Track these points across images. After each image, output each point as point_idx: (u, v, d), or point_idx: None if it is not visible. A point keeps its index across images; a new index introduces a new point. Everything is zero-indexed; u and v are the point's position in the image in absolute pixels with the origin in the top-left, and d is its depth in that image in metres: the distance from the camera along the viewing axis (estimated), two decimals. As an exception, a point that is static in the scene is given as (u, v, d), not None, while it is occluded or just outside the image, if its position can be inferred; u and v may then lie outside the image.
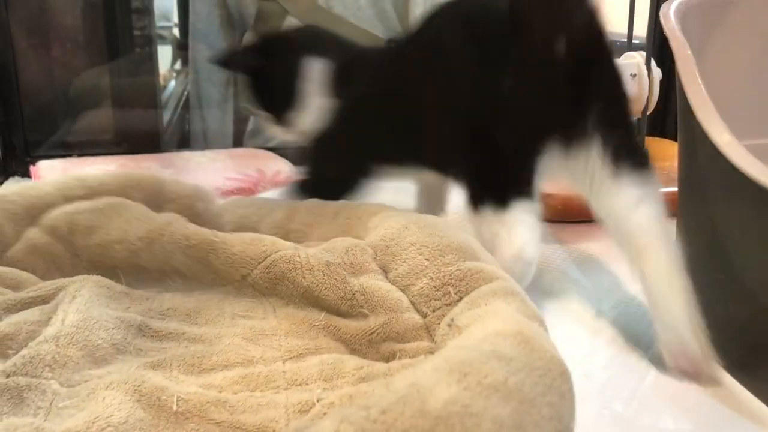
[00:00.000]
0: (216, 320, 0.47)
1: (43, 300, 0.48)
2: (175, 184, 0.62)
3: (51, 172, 0.75)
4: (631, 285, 0.62)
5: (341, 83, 0.65)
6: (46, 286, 0.49)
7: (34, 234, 0.55)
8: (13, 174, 0.87)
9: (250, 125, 1.28)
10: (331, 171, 0.67)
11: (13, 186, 0.59)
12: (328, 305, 0.47)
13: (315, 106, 0.66)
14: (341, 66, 0.66)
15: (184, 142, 1.26)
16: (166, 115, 1.17)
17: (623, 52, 0.89)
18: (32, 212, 0.57)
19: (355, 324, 0.45)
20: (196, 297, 0.51)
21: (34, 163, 0.84)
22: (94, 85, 1.08)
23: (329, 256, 0.48)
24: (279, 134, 0.71)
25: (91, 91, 1.09)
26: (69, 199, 0.58)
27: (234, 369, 0.42)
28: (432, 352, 0.41)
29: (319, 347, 0.44)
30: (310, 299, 0.48)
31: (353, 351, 0.44)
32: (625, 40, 0.90)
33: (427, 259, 0.45)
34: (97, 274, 0.53)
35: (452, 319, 0.40)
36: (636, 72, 0.86)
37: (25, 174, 0.88)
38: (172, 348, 0.44)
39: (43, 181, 0.59)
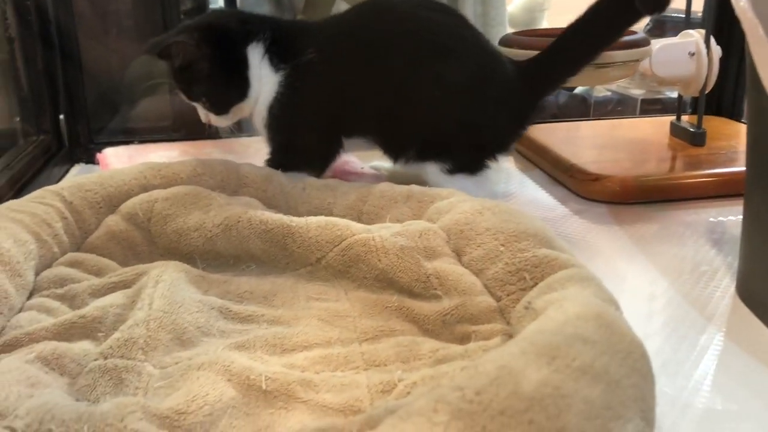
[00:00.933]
0: (292, 303, 0.49)
1: (125, 285, 0.50)
2: (248, 167, 0.64)
3: (117, 159, 0.77)
4: (686, 265, 0.61)
5: (285, 57, 0.67)
6: (127, 271, 0.51)
7: (112, 221, 0.58)
8: (78, 161, 0.90)
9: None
10: (302, 141, 0.69)
11: (92, 175, 0.60)
12: (402, 287, 0.48)
13: (261, 88, 0.67)
14: (279, 41, 0.67)
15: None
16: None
17: (681, 30, 0.88)
18: (111, 201, 0.59)
19: (429, 306, 0.46)
20: (270, 281, 0.52)
21: (98, 151, 0.87)
22: (149, 71, 1.11)
23: (403, 240, 0.49)
24: (218, 123, 0.71)
25: (147, 76, 1.11)
26: (146, 188, 0.60)
27: (314, 349, 0.43)
28: (508, 335, 0.41)
29: (393, 329, 0.45)
30: (384, 281, 0.49)
31: (426, 332, 0.45)
32: (684, 16, 0.89)
33: (502, 245, 0.46)
34: (173, 260, 0.55)
35: (529, 302, 0.40)
36: (694, 50, 0.85)
37: (90, 160, 0.90)
38: (254, 329, 0.45)
39: (120, 171, 0.61)
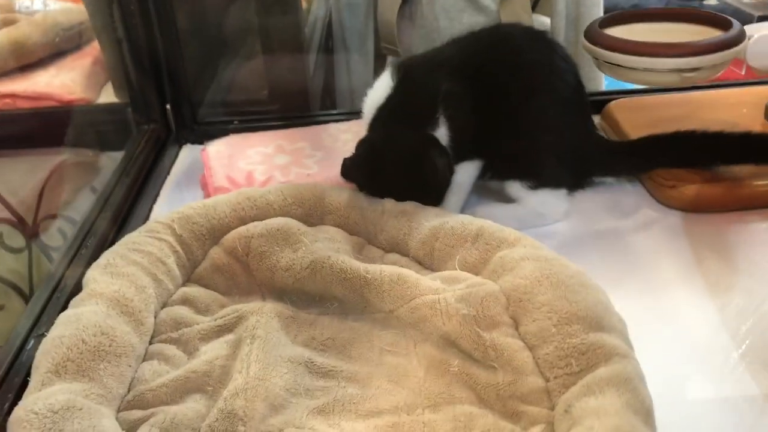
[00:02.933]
0: (367, 355, 0.56)
1: (228, 329, 0.59)
2: (333, 193, 0.70)
3: (218, 162, 0.84)
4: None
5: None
6: (229, 313, 0.60)
7: (216, 253, 0.66)
8: (185, 142, 0.98)
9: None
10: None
11: (197, 206, 0.68)
12: (463, 351, 0.54)
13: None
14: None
15: (329, 89, 1.33)
16: (311, 59, 1.23)
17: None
18: (214, 233, 0.67)
19: (485, 375, 0.52)
20: (349, 325, 0.59)
21: (201, 141, 0.95)
22: (243, 27, 1.16)
23: (465, 308, 0.54)
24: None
25: (242, 34, 1.17)
26: (243, 220, 0.67)
27: (384, 416, 0.50)
28: (551, 424, 0.47)
29: (453, 395, 0.52)
30: (448, 342, 0.55)
31: (482, 401, 0.51)
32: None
33: (554, 326, 0.50)
34: (268, 293, 0.63)
35: (569, 406, 0.45)
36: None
37: (195, 141, 0.98)
38: (333, 388, 0.53)
39: (221, 201, 0.68)
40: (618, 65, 0.79)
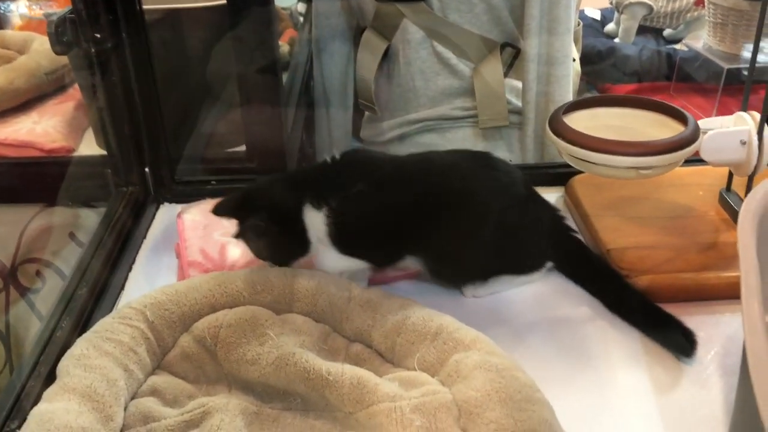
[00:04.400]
0: (326, 457, 0.60)
1: (194, 424, 0.61)
2: (302, 280, 0.72)
3: (193, 232, 0.87)
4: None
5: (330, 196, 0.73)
6: (195, 407, 0.63)
7: (186, 341, 0.69)
8: (163, 201, 1.01)
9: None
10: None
11: (170, 291, 0.70)
12: (416, 459, 0.58)
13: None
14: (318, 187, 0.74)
15: (310, 142, 1.36)
16: (290, 113, 1.25)
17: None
18: (185, 320, 0.70)
19: (436, 485, 0.56)
20: (311, 423, 0.63)
21: (179, 200, 0.98)
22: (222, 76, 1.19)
23: (419, 419, 0.57)
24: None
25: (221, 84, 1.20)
26: (213, 306, 0.70)
27: None
28: None
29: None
30: (403, 449, 0.59)
31: None
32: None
33: (499, 445, 0.54)
34: (234, 384, 0.67)
35: None
36: (746, 139, 0.84)
37: (173, 199, 1.01)
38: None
39: (193, 287, 0.71)
40: (576, 158, 0.83)
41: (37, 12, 1.55)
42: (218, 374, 0.68)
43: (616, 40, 2.21)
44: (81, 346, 0.65)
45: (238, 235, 0.77)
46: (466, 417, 0.58)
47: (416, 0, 1.13)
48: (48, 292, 1.18)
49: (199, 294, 0.71)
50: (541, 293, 0.83)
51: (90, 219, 1.10)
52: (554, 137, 0.85)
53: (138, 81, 0.93)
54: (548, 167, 1.10)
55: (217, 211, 0.75)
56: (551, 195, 1.01)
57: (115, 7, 0.89)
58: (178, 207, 0.98)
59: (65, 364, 0.63)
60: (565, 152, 0.85)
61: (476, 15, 1.13)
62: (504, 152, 1.14)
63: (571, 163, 0.87)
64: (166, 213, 0.99)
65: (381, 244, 0.76)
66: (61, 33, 0.85)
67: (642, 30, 2.23)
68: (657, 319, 0.75)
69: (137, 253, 0.90)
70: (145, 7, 0.94)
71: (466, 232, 0.75)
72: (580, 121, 0.90)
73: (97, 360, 0.63)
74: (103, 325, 0.67)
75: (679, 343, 0.73)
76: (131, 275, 0.87)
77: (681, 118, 0.88)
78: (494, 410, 0.56)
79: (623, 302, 0.79)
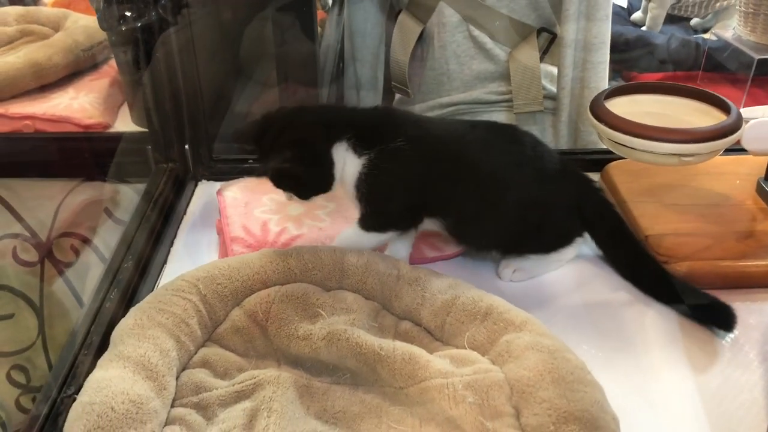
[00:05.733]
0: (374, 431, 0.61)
1: (245, 395, 0.63)
2: (352, 257, 0.73)
3: (234, 209, 0.88)
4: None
5: (369, 144, 0.74)
6: (246, 379, 0.64)
7: (237, 315, 0.70)
8: (201, 179, 1.02)
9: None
10: (387, 210, 0.78)
11: (222, 266, 0.71)
12: (467, 434, 0.59)
13: (346, 171, 0.75)
14: (362, 132, 0.75)
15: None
16: (324, 92, 1.26)
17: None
18: (237, 295, 0.71)
19: (488, 461, 0.57)
20: (360, 397, 0.64)
21: (216, 178, 0.99)
22: (259, 55, 1.19)
23: (472, 396, 0.58)
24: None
25: (258, 62, 1.20)
26: (265, 282, 0.71)
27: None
28: None
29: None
30: (453, 425, 0.59)
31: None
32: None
33: (553, 423, 0.55)
34: (283, 359, 0.68)
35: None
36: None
37: (211, 177, 1.02)
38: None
39: (245, 263, 0.72)
40: (618, 143, 0.84)
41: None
42: (267, 349, 0.69)
43: (643, 28, 2.20)
44: (134, 315, 0.66)
45: (262, 165, 0.77)
46: (518, 395, 0.59)
47: (455, -16, 1.13)
48: (82, 267, 1.19)
49: (251, 270, 0.72)
50: (578, 276, 0.83)
51: (127, 195, 1.11)
52: (596, 122, 0.86)
53: (180, 58, 0.94)
54: (582, 153, 1.10)
55: (237, 138, 0.76)
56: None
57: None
58: (216, 185, 0.99)
59: (119, 333, 0.64)
60: (607, 137, 0.85)
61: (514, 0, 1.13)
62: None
63: (611, 149, 0.87)
64: (204, 190, 1.00)
65: (405, 203, 0.77)
66: (109, 9, 0.86)
67: (669, 19, 2.21)
68: (691, 295, 0.77)
69: (178, 228, 0.91)
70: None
71: (485, 201, 0.76)
72: (620, 107, 0.90)
73: (150, 330, 0.64)
74: (156, 296, 0.69)
75: (719, 318, 0.75)
76: (173, 250, 0.88)
77: (723, 106, 0.88)
78: (547, 390, 0.57)
79: (657, 279, 0.80)
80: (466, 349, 0.65)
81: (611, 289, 0.82)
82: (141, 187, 0.97)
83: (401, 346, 0.64)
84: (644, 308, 0.79)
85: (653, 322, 0.77)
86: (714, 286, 0.80)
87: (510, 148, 0.78)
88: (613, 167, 1.00)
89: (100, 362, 0.62)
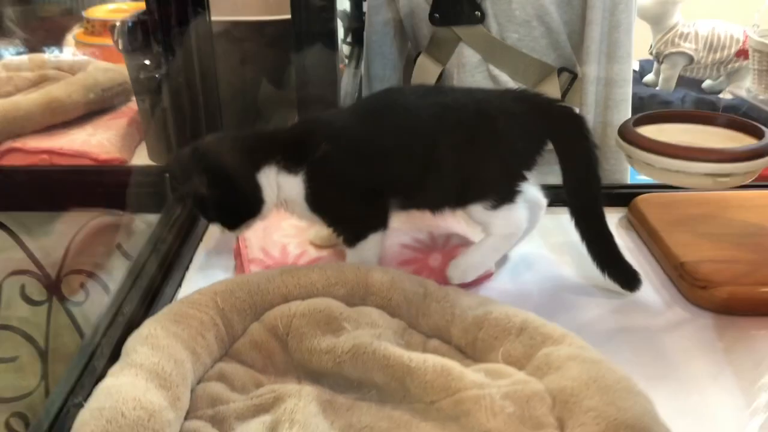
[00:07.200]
0: (407, 446, 0.56)
1: (264, 408, 0.58)
2: (377, 274, 0.70)
3: (253, 233, 0.85)
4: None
5: (300, 160, 0.74)
6: (265, 393, 0.59)
7: (256, 330, 0.66)
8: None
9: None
10: (352, 211, 0.77)
11: (241, 281, 0.68)
12: (506, 449, 0.54)
13: (287, 193, 0.75)
14: (291, 151, 0.75)
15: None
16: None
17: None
18: (256, 309, 0.67)
19: (530, 477, 0.52)
20: (388, 413, 0.59)
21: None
22: (279, 98, 1.19)
23: (511, 407, 0.54)
24: (232, 234, 0.80)
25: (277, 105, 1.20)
26: (285, 297, 0.68)
27: None
28: None
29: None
30: (491, 439, 0.55)
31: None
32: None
33: (602, 432, 0.50)
34: (304, 376, 0.63)
35: None
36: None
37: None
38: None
39: (265, 278, 0.68)
40: (652, 165, 0.81)
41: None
42: (287, 365, 0.65)
43: (656, 89, 2.21)
44: (149, 326, 0.62)
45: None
46: (561, 406, 0.54)
47: (474, 23, 1.13)
48: (91, 306, 1.16)
49: (272, 285, 0.68)
50: (618, 305, 0.80)
51: (142, 230, 1.08)
52: (627, 145, 0.83)
53: (203, 87, 0.93)
54: (607, 188, 1.08)
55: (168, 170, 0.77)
56: (612, 216, 0.99)
57: (187, 16, 0.90)
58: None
59: (132, 343, 0.60)
60: (640, 161, 0.83)
61: (535, 38, 1.13)
62: (558, 176, 1.12)
63: (643, 173, 0.84)
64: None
65: (361, 199, 0.77)
66: (131, 33, 0.86)
67: (681, 81, 2.23)
68: (612, 256, 0.78)
69: (193, 255, 0.88)
70: (213, 18, 0.95)
71: (418, 158, 0.75)
72: (647, 135, 0.88)
73: (164, 340, 0.60)
74: (171, 309, 0.65)
75: (626, 279, 0.79)
76: (187, 274, 0.84)
77: (755, 132, 0.86)
78: (593, 398, 0.53)
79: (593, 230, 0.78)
80: (500, 364, 0.61)
81: (649, 316, 0.78)
82: (154, 218, 0.95)
83: (432, 359, 0.60)
84: (683, 332, 0.75)
85: (694, 347, 0.72)
86: (755, 312, 0.77)
87: (425, 102, 0.77)
88: (641, 200, 0.97)
89: (110, 371, 0.58)
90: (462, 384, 0.57)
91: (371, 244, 0.77)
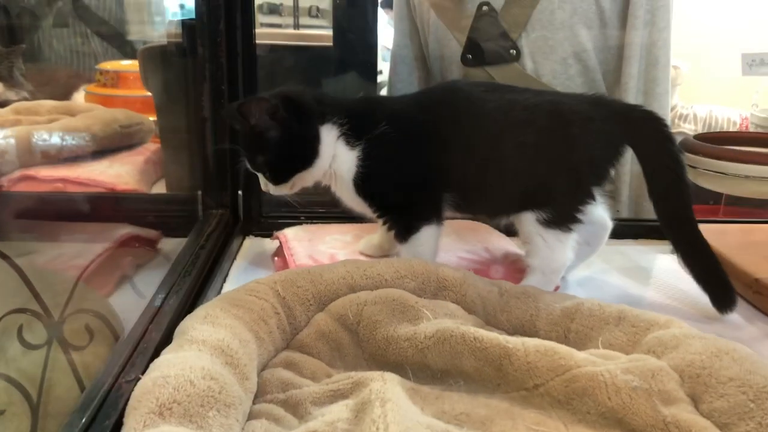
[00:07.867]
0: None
1: (342, 394, 0.50)
2: (446, 269, 0.64)
3: (299, 243, 0.79)
4: None
5: (360, 133, 0.71)
6: (342, 379, 0.52)
7: (322, 319, 0.59)
8: (249, 233, 0.93)
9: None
10: (404, 198, 0.73)
11: (302, 271, 0.62)
12: (632, 429, 0.47)
13: (339, 166, 0.72)
14: (353, 121, 0.72)
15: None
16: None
17: None
18: (321, 298, 0.60)
19: (667, 458, 0.44)
20: (483, 402, 0.51)
21: (268, 225, 0.90)
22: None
23: (636, 380, 0.47)
24: (276, 192, 0.74)
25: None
26: (353, 288, 0.61)
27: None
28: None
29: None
30: (611, 420, 0.47)
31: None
32: None
33: (752, 401, 0.44)
34: (377, 369, 0.55)
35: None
36: None
37: (260, 233, 0.93)
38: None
39: (328, 268, 0.62)
40: (723, 173, 0.78)
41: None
42: (357, 358, 0.57)
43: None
44: (206, 309, 0.55)
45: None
46: (692, 380, 0.48)
47: (510, 61, 1.12)
48: (95, 352, 1.06)
49: (336, 275, 0.62)
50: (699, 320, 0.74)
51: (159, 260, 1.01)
52: (697, 157, 0.81)
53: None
54: (652, 221, 1.04)
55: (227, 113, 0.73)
56: (663, 246, 0.95)
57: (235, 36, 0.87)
58: (265, 240, 0.91)
59: (189, 323, 0.53)
60: (709, 171, 0.79)
61: (570, 77, 1.12)
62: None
63: (709, 184, 0.81)
64: (253, 244, 0.92)
65: (414, 185, 0.73)
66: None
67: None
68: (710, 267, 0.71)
69: (228, 272, 0.81)
70: (258, 41, 0.92)
71: (480, 156, 0.72)
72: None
73: (225, 320, 0.53)
74: (227, 295, 0.58)
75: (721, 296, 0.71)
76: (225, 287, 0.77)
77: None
78: (730, 368, 0.46)
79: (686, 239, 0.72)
80: (603, 350, 0.55)
81: (732, 329, 0.72)
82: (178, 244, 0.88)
83: (531, 340, 0.53)
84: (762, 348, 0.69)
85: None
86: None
87: (492, 96, 0.73)
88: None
89: (164, 351, 0.50)
90: (573, 362, 0.50)
91: (425, 239, 0.72)
